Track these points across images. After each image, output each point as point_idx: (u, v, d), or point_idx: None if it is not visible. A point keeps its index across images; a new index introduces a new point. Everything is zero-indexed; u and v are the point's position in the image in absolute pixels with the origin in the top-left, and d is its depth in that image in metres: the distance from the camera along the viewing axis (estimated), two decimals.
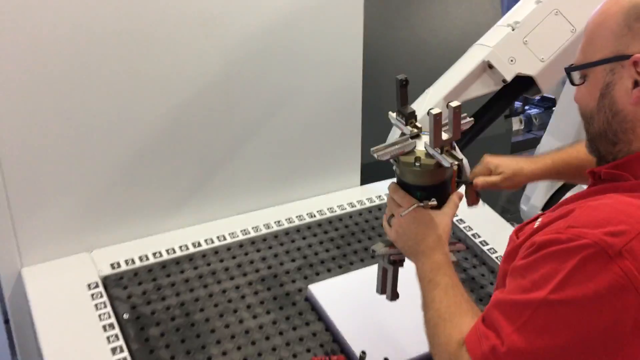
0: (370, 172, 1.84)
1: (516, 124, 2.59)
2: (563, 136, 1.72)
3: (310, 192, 1.73)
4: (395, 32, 2.03)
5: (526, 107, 2.75)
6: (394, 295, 1.07)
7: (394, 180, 1.02)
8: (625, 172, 0.84)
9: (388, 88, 1.93)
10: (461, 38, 2.00)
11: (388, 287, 1.07)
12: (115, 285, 1.36)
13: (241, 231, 1.55)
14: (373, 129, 1.92)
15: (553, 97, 2.85)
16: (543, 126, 2.72)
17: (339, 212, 1.66)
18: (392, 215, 1.01)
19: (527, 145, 2.61)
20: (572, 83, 0.89)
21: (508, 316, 0.79)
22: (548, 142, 1.77)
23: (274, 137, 1.62)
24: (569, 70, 0.88)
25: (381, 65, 1.92)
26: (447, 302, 0.91)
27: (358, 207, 1.69)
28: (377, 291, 1.09)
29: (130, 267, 1.41)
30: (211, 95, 1.48)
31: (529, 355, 0.77)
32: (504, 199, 1.98)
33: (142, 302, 1.32)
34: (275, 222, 1.60)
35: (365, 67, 1.68)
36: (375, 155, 0.95)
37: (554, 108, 2.86)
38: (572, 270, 0.74)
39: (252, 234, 1.55)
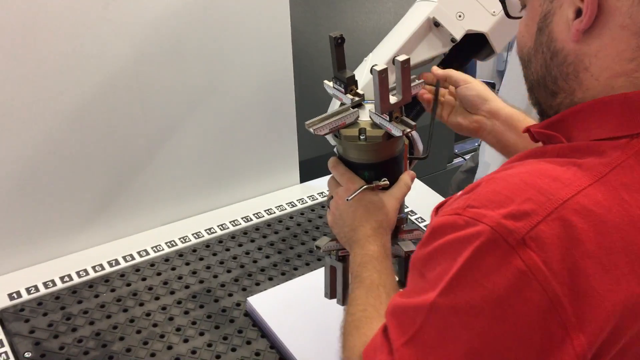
0: (310, 169, 1.68)
1: None
2: None
3: (244, 195, 1.54)
4: (326, 17, 1.88)
5: None
6: (346, 299, 0.90)
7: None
8: (557, 133, 0.65)
9: (322, 74, 1.79)
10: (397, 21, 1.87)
11: (338, 290, 0.90)
12: (15, 319, 1.13)
13: (166, 243, 1.35)
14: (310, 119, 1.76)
15: (492, 81, 2.77)
16: None
17: (278, 213, 1.49)
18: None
19: None
20: (508, 15, 0.73)
21: (399, 325, 0.62)
22: None
23: (199, 135, 1.42)
24: None
25: (313, 52, 1.76)
26: (365, 306, 0.74)
27: (299, 206, 1.52)
28: (326, 296, 0.92)
29: (33, 295, 1.18)
30: (118, 88, 1.28)
31: None
32: (454, 186, 1.86)
33: (47, 336, 1.10)
34: (206, 230, 1.40)
35: (296, 54, 1.52)
36: (311, 130, 0.78)
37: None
38: (464, 266, 0.56)
39: (180, 245, 1.35)
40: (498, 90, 2.85)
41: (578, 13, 0.60)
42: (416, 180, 1.64)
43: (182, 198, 1.45)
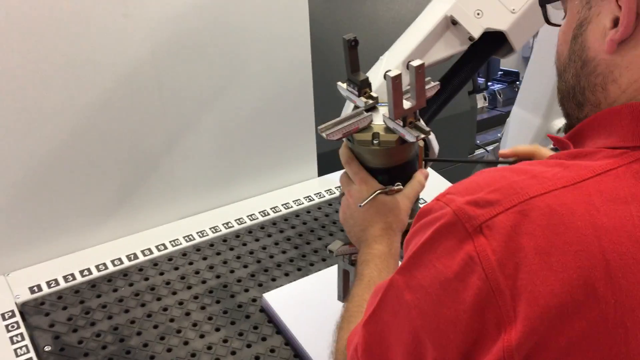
0: (329, 162, 1.67)
1: (480, 101, 2.45)
2: (533, 107, 1.58)
3: (262, 188, 1.54)
4: (345, 8, 1.86)
5: (489, 83, 2.62)
6: None
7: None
8: (569, 141, 0.64)
9: (341, 67, 1.78)
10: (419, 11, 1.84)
11: None
12: (35, 313, 1.15)
13: (184, 237, 1.36)
14: (328, 114, 1.75)
15: (517, 70, 2.72)
16: (508, 102, 2.59)
17: (295, 207, 1.49)
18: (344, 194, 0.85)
19: (493, 123, 2.48)
20: (548, 22, 0.70)
21: (369, 305, 0.65)
22: (517, 114, 1.63)
23: (217, 129, 1.43)
24: (542, 3, 0.68)
25: (331, 44, 1.74)
26: (359, 301, 0.75)
27: (316, 200, 1.52)
28: (339, 299, 0.92)
29: (54, 289, 1.20)
30: (137, 84, 1.28)
31: (377, 356, 0.60)
32: None
33: (67, 330, 1.12)
34: (223, 224, 1.41)
35: (314, 46, 1.50)
36: (323, 135, 0.78)
37: (517, 82, 2.75)
38: (423, 246, 0.57)
39: (197, 239, 1.36)
40: (521, 79, 2.80)
41: (615, 22, 0.57)
42: (435, 174, 1.63)
43: (200, 192, 1.46)
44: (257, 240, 1.38)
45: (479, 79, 2.51)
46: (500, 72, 2.68)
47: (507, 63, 2.82)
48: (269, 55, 1.43)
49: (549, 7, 0.70)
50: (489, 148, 2.20)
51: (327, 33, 1.77)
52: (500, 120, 2.47)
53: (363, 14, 1.86)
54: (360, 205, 0.79)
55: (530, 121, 1.56)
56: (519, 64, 2.98)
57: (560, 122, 1.55)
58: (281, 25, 1.42)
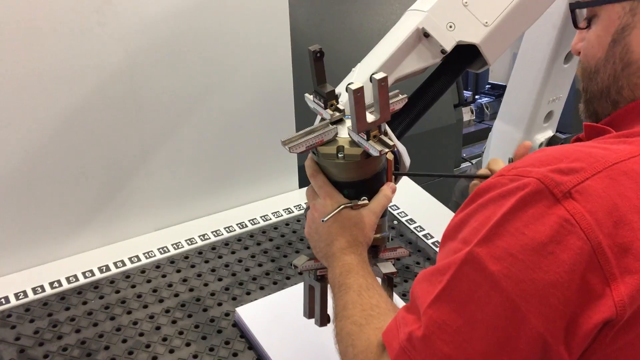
0: None
1: (467, 115, 2.44)
2: (515, 121, 1.57)
3: (241, 200, 1.53)
4: (330, 19, 1.85)
5: (477, 96, 2.61)
6: (324, 320, 0.88)
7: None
8: (608, 127, 0.68)
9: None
10: None
11: (316, 310, 0.87)
12: (1, 326, 1.13)
13: (159, 249, 1.34)
14: (309, 125, 1.73)
15: (504, 84, 2.71)
16: (495, 115, 2.58)
17: (273, 219, 1.47)
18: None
19: (480, 136, 2.47)
20: (576, 26, 0.72)
21: (427, 288, 0.60)
22: (499, 128, 1.62)
23: (195, 139, 1.41)
24: (574, 7, 0.71)
25: None
26: (362, 306, 0.72)
27: (296, 212, 1.50)
28: (305, 315, 0.90)
29: (22, 301, 1.18)
30: (113, 93, 1.27)
31: (451, 335, 0.57)
32: (458, 193, 1.82)
33: (32, 343, 1.10)
34: (199, 236, 1.39)
35: (298, 56, 1.49)
36: (286, 148, 0.76)
37: None
38: (505, 215, 0.56)
39: (172, 251, 1.34)
40: None
41: None
42: (417, 187, 1.62)
43: (177, 203, 1.44)
44: (233, 252, 1.36)
45: (466, 92, 2.50)
46: (487, 86, 2.67)
47: (495, 76, 2.81)
48: (249, 65, 1.42)
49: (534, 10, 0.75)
50: (474, 161, 2.18)
51: (310, 44, 1.76)
52: (487, 134, 2.46)
53: (348, 27, 1.85)
54: (323, 220, 0.77)
55: (512, 135, 1.55)
56: (508, 78, 2.97)
57: (541, 136, 1.54)
58: (262, 36, 1.41)
